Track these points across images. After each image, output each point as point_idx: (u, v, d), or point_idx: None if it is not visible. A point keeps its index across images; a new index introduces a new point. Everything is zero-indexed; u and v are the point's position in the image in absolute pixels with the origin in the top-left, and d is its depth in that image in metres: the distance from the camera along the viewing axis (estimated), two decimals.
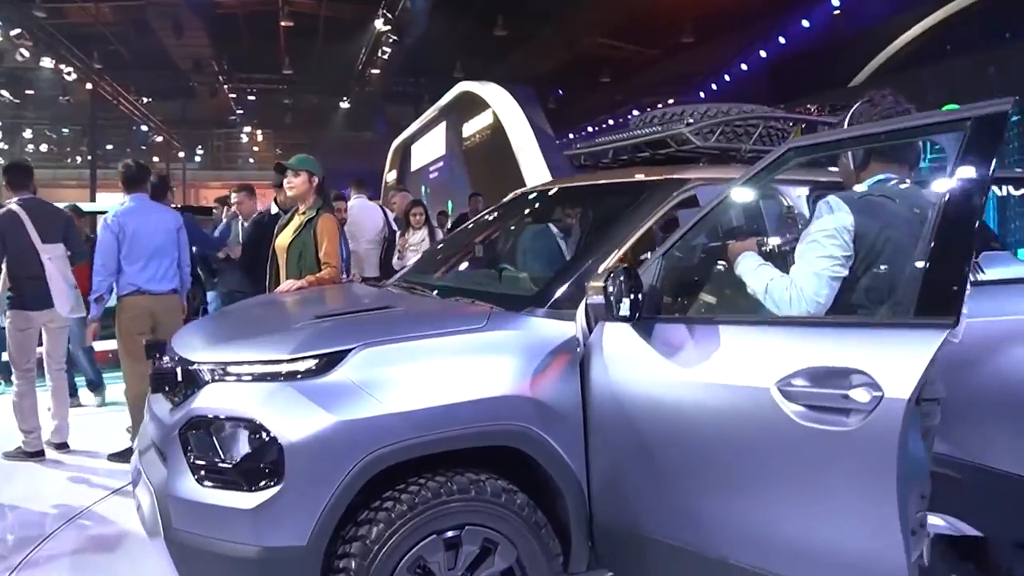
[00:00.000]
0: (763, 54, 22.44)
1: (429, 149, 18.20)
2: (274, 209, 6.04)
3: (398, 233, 7.89)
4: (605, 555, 2.77)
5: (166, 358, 3.07)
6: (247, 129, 36.74)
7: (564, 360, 2.74)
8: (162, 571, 2.54)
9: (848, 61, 16.97)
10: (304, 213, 4.56)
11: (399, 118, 24.67)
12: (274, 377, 2.53)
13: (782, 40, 21.54)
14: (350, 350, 2.56)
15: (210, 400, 2.56)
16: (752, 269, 2.53)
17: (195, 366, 2.71)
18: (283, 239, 4.57)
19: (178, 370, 2.79)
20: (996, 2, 13.19)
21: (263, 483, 2.41)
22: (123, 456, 5.24)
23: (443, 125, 17.31)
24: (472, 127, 15.01)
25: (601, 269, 2.74)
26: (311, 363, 2.54)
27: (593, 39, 24.47)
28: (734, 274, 2.62)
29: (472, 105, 14.69)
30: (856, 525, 2.02)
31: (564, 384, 2.72)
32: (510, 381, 2.65)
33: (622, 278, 2.48)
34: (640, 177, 3.45)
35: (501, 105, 13.29)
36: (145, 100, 31.06)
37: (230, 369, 2.62)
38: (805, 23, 20.62)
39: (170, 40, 23.92)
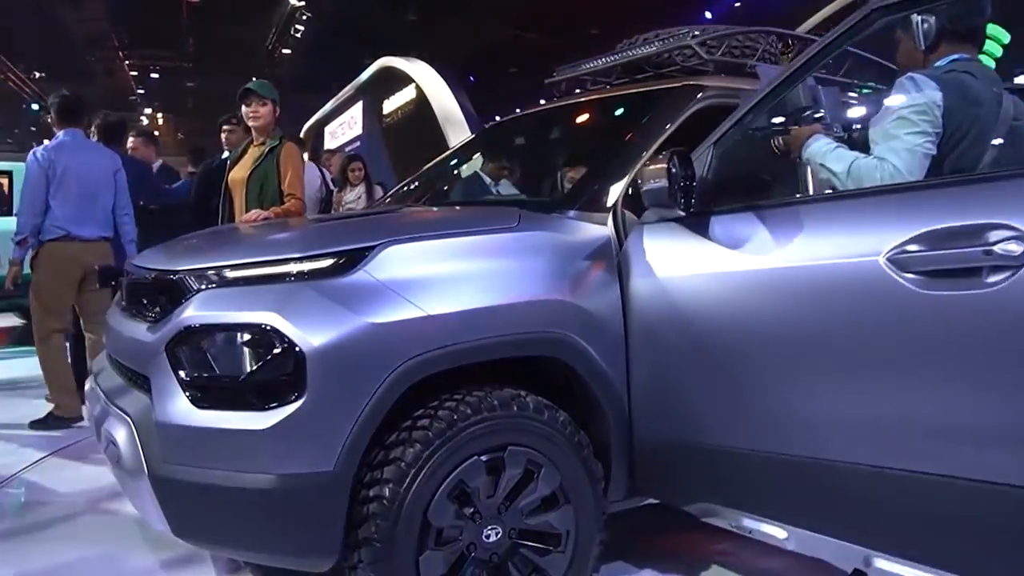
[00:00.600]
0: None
1: (345, 129, 17.50)
2: (225, 154, 5.44)
3: (335, 191, 7.39)
4: (648, 479, 2.46)
5: (131, 279, 2.58)
6: (147, 111, 34.67)
7: (601, 264, 2.44)
8: (109, 529, 2.06)
9: None
10: (264, 143, 4.07)
11: (309, 102, 23.71)
12: (287, 277, 2.11)
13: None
14: (373, 247, 2.16)
15: (207, 307, 2.11)
16: (827, 151, 2.27)
17: (179, 275, 2.24)
18: (239, 172, 4.08)
19: (154, 280, 2.32)
20: None
21: (280, 399, 1.99)
22: (46, 423, 4.63)
23: (360, 104, 16.59)
24: (393, 103, 14.43)
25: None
26: (328, 261, 2.13)
27: (504, 28, 24.23)
28: (793, 162, 2.36)
29: (394, 81, 14.10)
30: (1002, 399, 1.73)
31: (603, 289, 2.42)
32: (548, 285, 2.32)
33: (678, 165, 2.18)
34: (654, 86, 3.15)
35: (426, 80, 12.78)
36: (36, 76, 28.84)
37: (228, 273, 2.18)
38: (708, 15, 20.96)
39: (66, 13, 22.23)
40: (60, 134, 4.76)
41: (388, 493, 2.03)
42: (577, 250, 2.43)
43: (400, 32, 22.21)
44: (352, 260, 2.14)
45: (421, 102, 12.69)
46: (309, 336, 1.99)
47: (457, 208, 2.60)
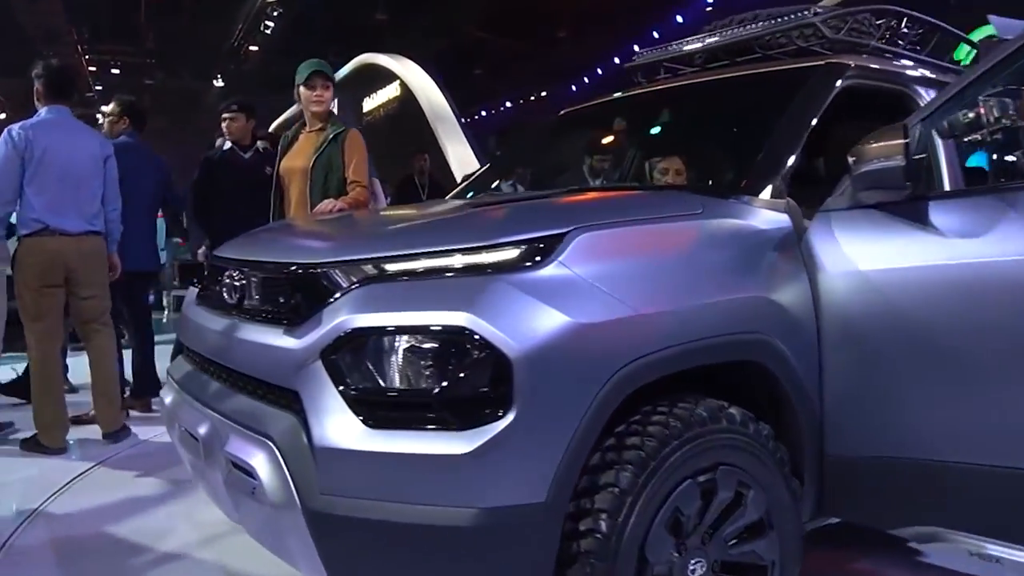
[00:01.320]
0: (637, 49, 22.46)
1: None
2: (227, 144, 4.94)
3: None
4: (843, 497, 2.13)
5: (229, 274, 2.15)
6: (104, 108, 33.16)
7: (789, 254, 2.12)
8: None
9: None
10: (323, 129, 3.64)
11: (275, 102, 23.02)
12: (472, 270, 1.72)
13: (656, 35, 21.65)
14: (564, 235, 1.78)
15: (373, 306, 1.71)
16: None
17: (324, 268, 1.83)
18: (297, 161, 3.65)
19: (284, 275, 1.91)
20: None
21: (483, 416, 1.60)
22: (35, 444, 4.00)
23: (336, 101, 16.08)
24: (375, 100, 13.95)
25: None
26: (516, 251, 1.75)
27: (471, 29, 23.90)
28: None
29: (376, 78, 13.63)
30: None
31: (794, 283, 2.10)
32: (746, 279, 2.00)
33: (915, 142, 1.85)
34: (791, 65, 2.81)
35: (413, 77, 12.34)
36: None
37: (393, 266, 1.78)
38: (679, 19, 20.87)
39: (22, 5, 21.11)
40: (43, 111, 4.00)
41: (604, 526, 1.66)
42: (765, 239, 2.10)
43: (368, 30, 21.69)
44: (544, 249, 1.76)
45: (406, 99, 12.28)
46: (515, 339, 1.61)
47: (627, 192, 2.21)
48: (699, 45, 3.32)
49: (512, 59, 26.02)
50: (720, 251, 2.00)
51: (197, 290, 2.52)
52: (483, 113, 28.85)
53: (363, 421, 1.65)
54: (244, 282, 2.09)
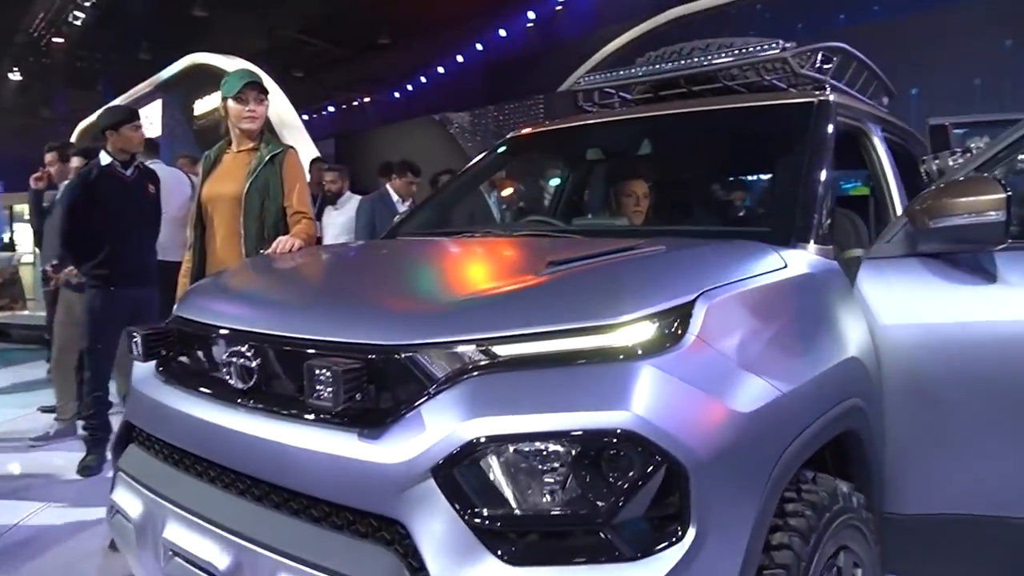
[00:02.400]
0: (460, 59, 22.36)
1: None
2: (105, 160, 4.10)
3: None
4: (907, 557, 1.99)
5: (238, 350, 1.63)
6: None
7: (854, 308, 1.94)
8: None
9: (553, 69, 17.19)
10: (255, 149, 3.05)
11: (81, 99, 20.52)
12: (617, 354, 1.36)
13: (479, 47, 21.61)
14: (693, 302, 1.47)
15: (503, 403, 1.31)
16: None
17: (413, 351, 1.40)
18: (227, 185, 3.04)
19: (347, 358, 1.44)
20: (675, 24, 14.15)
21: (661, 539, 1.26)
22: None
23: (160, 102, 14.46)
24: (209, 104, 12.69)
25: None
26: (654, 326, 1.41)
27: (291, 31, 22.67)
28: None
29: (209, 80, 12.39)
30: None
31: (865, 339, 1.91)
32: (840, 338, 1.81)
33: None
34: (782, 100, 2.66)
35: None
36: None
37: (509, 350, 1.38)
38: (502, 32, 20.92)
39: None
40: None
41: None
42: (837, 293, 1.92)
43: (185, 27, 19.92)
44: (680, 323, 1.44)
45: None
46: (689, 441, 1.28)
47: (688, 243, 1.91)
48: (642, 74, 3.10)
49: (333, 63, 25.01)
50: (816, 310, 1.79)
51: (157, 362, 1.93)
52: (304, 117, 27.51)
53: (500, 557, 1.25)
54: (272, 363, 1.59)
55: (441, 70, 23.13)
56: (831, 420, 1.63)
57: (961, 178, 1.91)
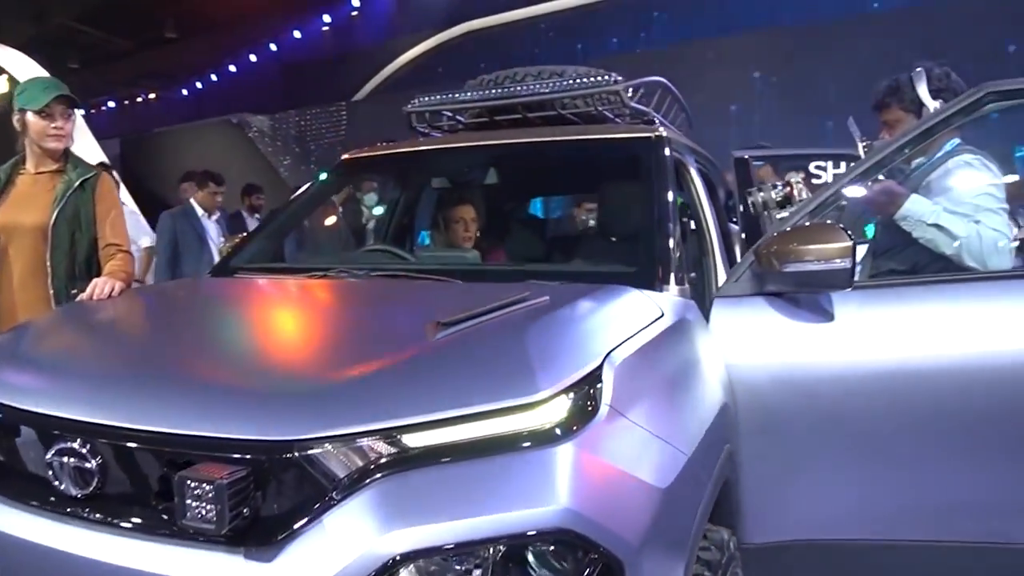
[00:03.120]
0: (253, 58, 21.07)
1: None
2: None
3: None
4: None
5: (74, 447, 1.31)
6: None
7: (714, 349, 1.95)
8: None
9: (351, 76, 16.67)
10: (61, 171, 2.56)
11: None
12: (534, 439, 1.23)
13: (273, 47, 20.50)
14: (600, 367, 1.39)
15: (419, 509, 1.13)
16: (938, 211, 2.16)
17: (307, 448, 1.17)
18: (27, 214, 2.55)
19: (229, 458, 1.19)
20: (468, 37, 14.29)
21: None
22: None
23: None
24: None
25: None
26: (568, 400, 1.30)
27: (64, 19, 20.16)
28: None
29: None
30: None
31: (725, 380, 1.93)
32: (713, 384, 1.79)
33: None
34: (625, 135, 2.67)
35: (27, 74, 9.81)
36: None
37: (416, 440, 1.20)
38: (297, 34, 19.97)
39: None
40: None
41: None
42: (704, 337, 1.93)
43: None
44: (588, 394, 1.34)
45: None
46: (620, 532, 1.19)
47: (566, 291, 1.79)
48: (478, 99, 3.01)
49: (114, 56, 22.58)
50: (693, 358, 1.77)
51: None
52: (81, 112, 24.58)
53: None
54: (120, 463, 1.27)
55: (233, 68, 21.66)
56: (720, 472, 1.62)
57: (808, 224, 1.99)
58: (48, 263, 2.54)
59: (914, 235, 2.26)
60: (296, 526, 1.14)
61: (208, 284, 2.43)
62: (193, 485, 1.12)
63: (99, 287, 2.28)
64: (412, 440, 1.21)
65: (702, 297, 2.21)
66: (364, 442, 1.20)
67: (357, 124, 11.62)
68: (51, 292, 2.54)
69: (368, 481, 1.17)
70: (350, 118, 11.99)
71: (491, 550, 1.13)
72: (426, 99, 3.19)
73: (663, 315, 1.77)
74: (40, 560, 1.28)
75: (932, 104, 2.38)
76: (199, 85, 23.21)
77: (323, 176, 3.10)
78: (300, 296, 2.05)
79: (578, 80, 2.89)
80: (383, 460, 1.19)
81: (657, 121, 2.98)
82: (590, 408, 1.31)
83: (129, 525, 1.23)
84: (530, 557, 1.14)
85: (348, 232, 5.32)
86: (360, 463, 1.18)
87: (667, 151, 2.46)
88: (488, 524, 1.14)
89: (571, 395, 1.30)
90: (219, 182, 5.49)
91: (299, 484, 1.18)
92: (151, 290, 2.44)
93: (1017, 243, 2.33)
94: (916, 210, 2.25)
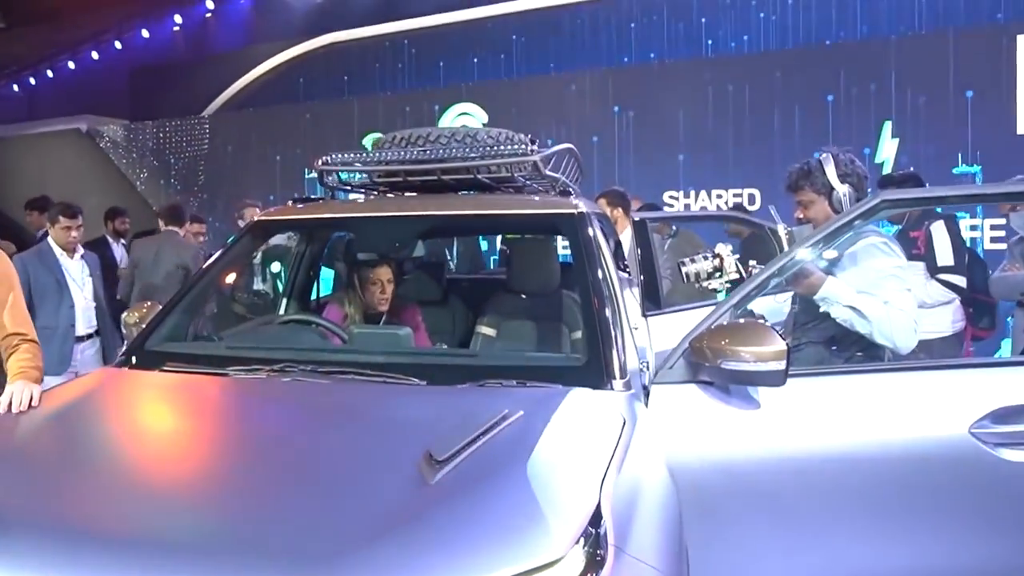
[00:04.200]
0: (95, 56, 19.21)
1: None
2: None
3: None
4: None
5: None
6: None
7: (657, 441, 2.01)
8: None
9: (206, 82, 15.51)
10: None
11: None
12: None
13: (118, 45, 18.78)
14: (599, 505, 1.40)
15: None
16: (853, 294, 2.33)
17: None
18: None
19: None
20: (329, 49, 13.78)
21: None
22: None
23: None
24: None
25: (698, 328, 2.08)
26: (581, 552, 1.30)
27: None
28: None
29: None
30: None
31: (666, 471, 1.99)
32: (671, 486, 1.84)
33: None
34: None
35: None
36: None
37: None
38: (145, 33, 18.41)
39: None
40: None
41: None
42: (653, 432, 1.96)
43: None
44: (596, 538, 1.34)
45: None
46: None
47: (536, 398, 1.74)
48: (396, 161, 2.94)
49: None
50: (654, 464, 1.81)
51: None
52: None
53: None
54: None
55: (72, 66, 19.57)
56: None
57: (742, 322, 2.10)
58: None
59: (832, 315, 2.45)
60: None
61: (146, 390, 2.12)
62: None
63: (16, 396, 1.96)
64: None
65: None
66: None
67: (219, 138, 10.87)
68: None
69: None
70: (212, 131, 11.19)
71: None
72: (339, 157, 3.06)
73: (624, 422, 1.79)
74: None
75: (841, 188, 2.58)
76: (32, 81, 20.82)
77: (234, 240, 2.88)
78: (263, 414, 1.87)
79: (496, 147, 2.88)
80: None
81: (570, 189, 3.03)
82: (599, 554, 1.31)
83: None
84: None
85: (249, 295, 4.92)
86: None
87: (590, 226, 2.51)
88: None
89: (582, 543, 1.29)
90: (71, 215, 4.40)
91: None
92: (85, 398, 2.04)
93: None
94: (833, 292, 2.44)
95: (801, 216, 2.74)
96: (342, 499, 1.42)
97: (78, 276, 4.36)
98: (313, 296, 3.57)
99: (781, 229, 2.87)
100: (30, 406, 1.97)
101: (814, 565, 2.09)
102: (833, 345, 2.59)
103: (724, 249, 2.71)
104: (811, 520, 2.09)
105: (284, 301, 3.51)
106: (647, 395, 2.08)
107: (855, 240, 2.54)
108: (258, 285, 5.18)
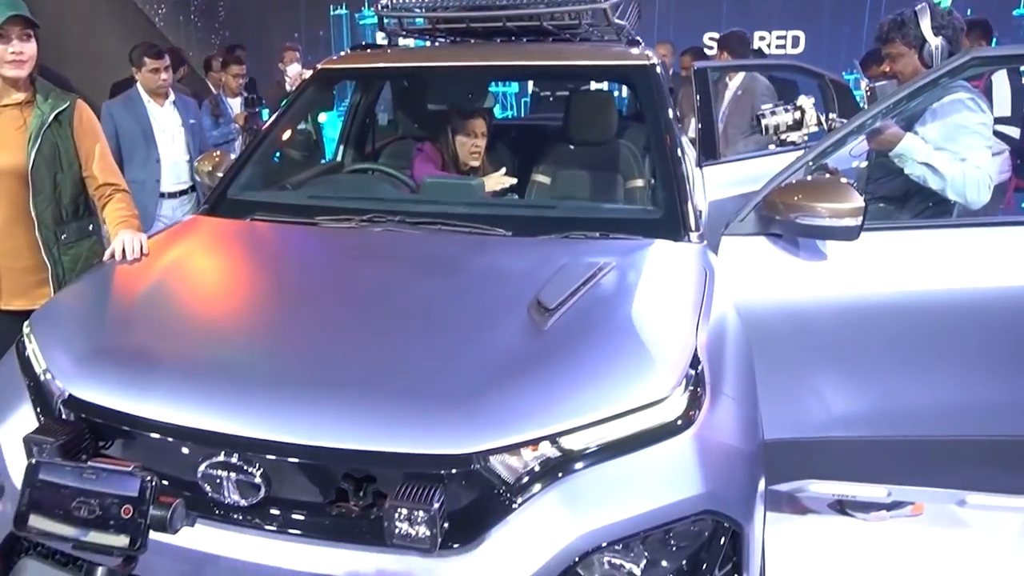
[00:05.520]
0: None
1: None
2: None
3: None
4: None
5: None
6: None
7: (728, 289, 2.07)
8: None
9: None
10: (30, 102, 2.19)
11: None
12: (666, 432, 1.33)
13: None
14: (695, 350, 1.49)
15: (598, 506, 1.23)
16: (929, 152, 2.34)
17: (484, 461, 1.25)
18: (2, 155, 2.15)
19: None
20: None
21: None
22: None
23: None
24: None
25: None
26: (684, 391, 1.41)
27: None
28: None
29: None
30: None
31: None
32: (740, 329, 1.92)
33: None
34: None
35: None
36: None
37: (574, 444, 1.27)
38: None
39: None
40: None
41: None
42: (726, 283, 2.02)
43: None
44: (696, 379, 1.44)
45: None
46: (740, 505, 1.33)
47: (624, 249, 1.80)
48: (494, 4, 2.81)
49: None
50: (726, 310, 1.86)
51: None
52: None
53: None
54: (289, 476, 1.25)
55: None
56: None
57: (820, 177, 2.10)
58: (32, 210, 2.20)
59: (905, 171, 2.42)
60: (485, 530, 1.21)
61: (253, 236, 2.16)
62: (404, 512, 1.15)
63: (128, 245, 2.02)
64: (571, 443, 1.28)
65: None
66: (535, 449, 1.26)
67: None
68: (38, 239, 2.23)
69: (541, 485, 1.24)
70: None
71: (652, 540, 1.25)
72: (401, 1, 2.93)
73: (706, 272, 1.85)
74: (209, 567, 1.27)
75: (934, 40, 2.45)
76: None
77: (301, 90, 2.83)
78: (369, 263, 1.92)
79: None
80: (552, 464, 1.26)
81: (637, 39, 2.91)
82: (699, 393, 1.41)
83: (309, 533, 1.25)
84: (678, 541, 1.28)
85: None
86: (533, 468, 1.25)
87: (662, 80, 2.46)
88: (651, 515, 1.23)
89: (684, 384, 1.40)
90: (157, 54, 3.84)
91: (481, 490, 1.23)
92: (191, 246, 2.10)
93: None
94: (909, 148, 2.39)
95: (887, 69, 2.61)
96: (466, 344, 1.47)
97: (168, 126, 3.88)
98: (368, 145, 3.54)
99: (863, 85, 2.75)
100: (142, 254, 2.03)
101: (867, 400, 2.22)
102: (904, 200, 2.56)
103: (807, 102, 2.62)
104: (870, 362, 2.17)
105: (340, 148, 3.48)
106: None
107: (942, 95, 2.45)
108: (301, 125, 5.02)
